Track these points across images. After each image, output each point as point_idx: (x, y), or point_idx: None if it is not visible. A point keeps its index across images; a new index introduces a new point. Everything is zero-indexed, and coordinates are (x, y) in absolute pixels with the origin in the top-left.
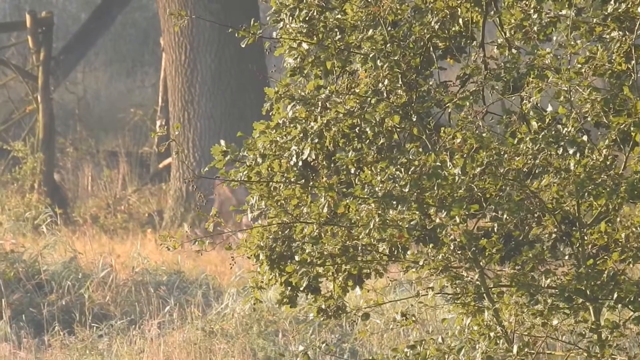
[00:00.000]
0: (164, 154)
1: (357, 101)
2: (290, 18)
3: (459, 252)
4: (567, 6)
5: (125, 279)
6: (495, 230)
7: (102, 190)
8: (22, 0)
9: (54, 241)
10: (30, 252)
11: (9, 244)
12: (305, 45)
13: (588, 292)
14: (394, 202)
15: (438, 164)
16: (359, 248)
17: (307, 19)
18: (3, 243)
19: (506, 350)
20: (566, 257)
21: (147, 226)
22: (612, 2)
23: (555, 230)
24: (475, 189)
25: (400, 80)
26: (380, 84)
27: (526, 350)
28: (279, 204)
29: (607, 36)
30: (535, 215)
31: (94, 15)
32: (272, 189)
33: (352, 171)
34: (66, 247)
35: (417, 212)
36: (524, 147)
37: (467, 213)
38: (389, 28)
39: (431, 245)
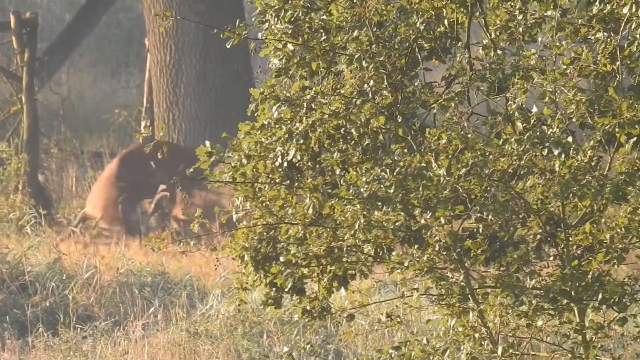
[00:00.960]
0: None
1: (343, 102)
2: (276, 19)
3: (444, 253)
4: (552, 7)
5: (109, 280)
6: (480, 231)
7: (87, 191)
8: (6, 1)
9: (38, 242)
10: (15, 253)
11: None
12: (290, 46)
13: (573, 293)
14: (379, 203)
15: (423, 164)
16: (344, 249)
17: (292, 19)
18: None
19: (491, 351)
20: (551, 258)
21: (132, 226)
22: (597, 3)
23: (540, 231)
24: (460, 190)
25: (385, 81)
26: (365, 85)
27: (511, 351)
28: (264, 205)
29: (592, 37)
30: (520, 216)
31: (78, 16)
32: (257, 190)
33: (337, 172)
34: (50, 248)
35: (402, 213)
36: (509, 148)
37: (452, 214)
38: (375, 29)
39: (416, 246)
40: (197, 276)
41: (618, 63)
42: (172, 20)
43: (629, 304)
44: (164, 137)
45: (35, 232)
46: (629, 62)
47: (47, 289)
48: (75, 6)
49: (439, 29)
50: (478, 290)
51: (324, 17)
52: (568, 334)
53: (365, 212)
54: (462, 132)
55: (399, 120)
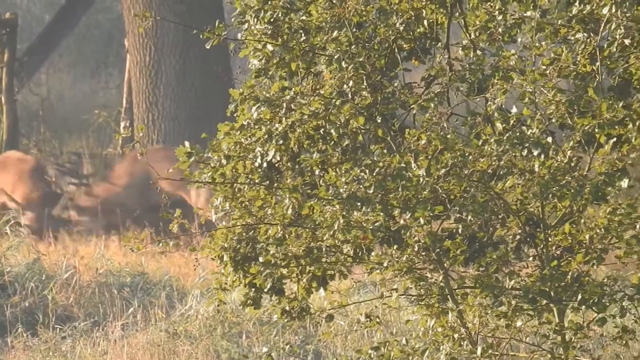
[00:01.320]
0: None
1: (322, 103)
2: (255, 19)
3: (423, 253)
4: (532, 8)
5: (88, 281)
6: (460, 232)
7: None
8: None
9: (18, 242)
10: None
11: None
12: (270, 47)
13: (552, 293)
14: (359, 204)
15: (403, 165)
16: (323, 249)
17: (271, 20)
18: None
19: (470, 351)
20: (530, 259)
21: (111, 227)
22: (576, 4)
23: (520, 231)
24: (440, 191)
25: (365, 81)
26: (345, 86)
27: (490, 351)
28: (243, 205)
29: (572, 38)
30: (500, 216)
31: (57, 17)
32: (236, 190)
33: (317, 172)
34: (29, 249)
35: (382, 214)
36: (489, 149)
37: (431, 214)
38: (354, 29)
39: (395, 247)
40: (176, 276)
41: (598, 64)
42: (152, 21)
43: (608, 304)
44: (143, 138)
45: (14, 232)
46: (608, 62)
47: (27, 289)
48: (54, 7)
49: (418, 30)
50: (457, 290)
51: (304, 17)
52: (547, 334)
53: (344, 213)
54: (441, 133)
55: (379, 120)
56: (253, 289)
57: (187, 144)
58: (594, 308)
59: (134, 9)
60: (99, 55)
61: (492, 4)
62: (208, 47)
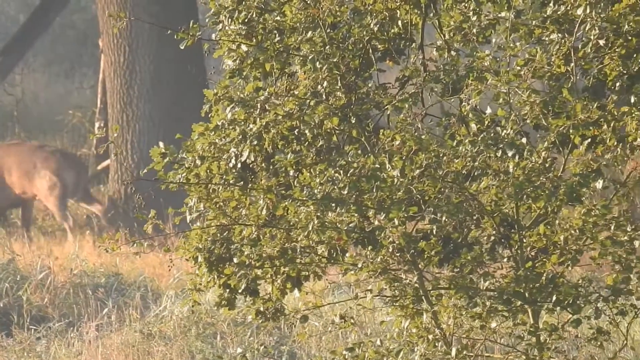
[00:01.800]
0: (102, 155)
1: (296, 103)
2: (229, 20)
3: (398, 254)
4: (506, 8)
5: (63, 281)
6: (434, 233)
7: None
8: None
9: None
10: None
11: None
12: (244, 47)
13: (527, 294)
14: (333, 205)
15: (377, 166)
16: (298, 250)
17: (246, 20)
18: None
19: (445, 352)
20: (505, 260)
21: (85, 228)
22: (551, 5)
23: (494, 232)
24: (414, 191)
25: (339, 82)
26: (319, 86)
27: (465, 352)
28: (217, 206)
29: (547, 38)
30: (474, 217)
31: (32, 17)
32: (210, 191)
33: (291, 173)
34: (4, 249)
35: (356, 215)
36: (463, 150)
37: (406, 215)
38: (328, 30)
39: (370, 248)
40: (151, 277)
41: (572, 64)
42: (126, 21)
43: (583, 305)
44: (117, 138)
45: None
46: (583, 63)
47: (1, 290)
48: (29, 7)
49: (392, 30)
50: (432, 291)
51: (278, 18)
52: (522, 335)
53: (319, 214)
54: (415, 134)
55: (353, 121)
56: (227, 290)
57: (161, 144)
58: (568, 309)
59: (108, 9)
60: (74, 55)
61: (466, 5)
62: (182, 48)
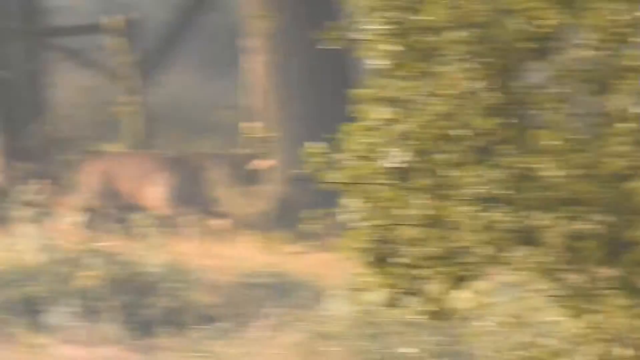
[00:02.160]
0: (255, 155)
1: (454, 103)
2: (381, 19)
3: (563, 254)
4: None
5: (228, 281)
6: (599, 233)
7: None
8: (111, 4)
9: (156, 244)
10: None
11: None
12: (394, 47)
13: None
14: (496, 204)
15: (534, 166)
16: (461, 251)
17: (397, 21)
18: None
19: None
20: None
21: (248, 228)
22: None
23: None
24: (579, 191)
25: (496, 81)
26: (476, 85)
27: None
28: (380, 206)
29: None
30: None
31: (180, 18)
32: (371, 191)
33: (450, 173)
34: (167, 249)
35: (518, 214)
36: (620, 149)
37: (570, 215)
38: (478, 29)
39: (532, 247)
40: (315, 276)
41: None
42: (276, 21)
43: None
44: (273, 138)
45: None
46: None
47: (168, 289)
48: (177, 9)
49: (542, 30)
50: (600, 291)
51: (427, 18)
52: None
53: (482, 213)
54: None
55: (512, 121)
56: (393, 290)
57: (316, 144)
58: None
59: (259, 10)
60: (224, 55)
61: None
62: (331, 48)
